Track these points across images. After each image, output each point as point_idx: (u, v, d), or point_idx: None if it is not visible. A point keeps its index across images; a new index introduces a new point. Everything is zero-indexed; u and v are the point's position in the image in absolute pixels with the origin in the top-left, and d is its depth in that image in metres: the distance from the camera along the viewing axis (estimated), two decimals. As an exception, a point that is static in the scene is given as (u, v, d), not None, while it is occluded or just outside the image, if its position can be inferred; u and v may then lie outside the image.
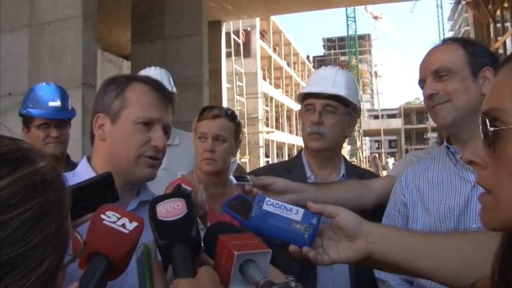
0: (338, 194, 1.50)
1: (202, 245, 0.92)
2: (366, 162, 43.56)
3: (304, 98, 1.83)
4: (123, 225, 0.83)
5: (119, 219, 0.84)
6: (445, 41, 1.47)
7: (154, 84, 1.31)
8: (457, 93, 1.35)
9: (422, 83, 1.44)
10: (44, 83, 2.62)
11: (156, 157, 1.28)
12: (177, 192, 0.95)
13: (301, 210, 1.01)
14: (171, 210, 0.88)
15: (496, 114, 0.60)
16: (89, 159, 1.33)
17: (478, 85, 1.35)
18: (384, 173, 15.34)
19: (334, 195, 1.47)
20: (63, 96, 2.47)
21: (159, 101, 1.28)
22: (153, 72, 2.81)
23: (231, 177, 1.35)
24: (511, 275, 0.60)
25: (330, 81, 1.78)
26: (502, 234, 0.65)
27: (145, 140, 1.25)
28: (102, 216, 0.83)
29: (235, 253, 0.80)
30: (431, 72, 1.39)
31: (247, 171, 2.65)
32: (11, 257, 0.48)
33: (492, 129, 0.60)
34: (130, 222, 0.84)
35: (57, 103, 2.40)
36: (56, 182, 0.56)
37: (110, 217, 0.84)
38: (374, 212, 1.51)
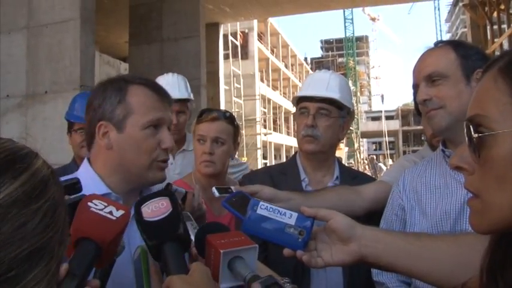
0: (327, 201, 1.49)
1: (194, 245, 0.95)
2: (363, 163, 43.57)
3: (299, 101, 1.85)
4: (110, 213, 0.85)
5: (105, 207, 0.85)
6: (437, 45, 1.46)
7: (152, 85, 1.29)
8: (451, 98, 1.35)
9: (416, 87, 1.43)
10: (88, 91, 2.78)
11: (167, 159, 1.28)
12: (160, 191, 0.96)
13: (295, 214, 1.03)
14: (156, 210, 0.90)
15: (480, 121, 0.62)
16: (89, 160, 1.31)
17: (471, 88, 1.34)
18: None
19: (322, 203, 1.43)
20: None
21: (160, 102, 1.27)
22: (171, 78, 2.86)
23: (213, 189, 1.34)
24: (498, 275, 0.62)
25: (324, 84, 1.79)
26: (490, 236, 0.67)
27: (155, 143, 1.24)
28: (89, 204, 0.85)
29: (221, 251, 0.83)
30: (424, 78, 1.39)
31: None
32: (45, 242, 0.53)
33: (477, 135, 0.61)
34: (117, 210, 0.86)
35: None
36: (54, 176, 0.61)
37: (97, 205, 0.85)
38: (368, 217, 1.51)
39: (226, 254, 0.84)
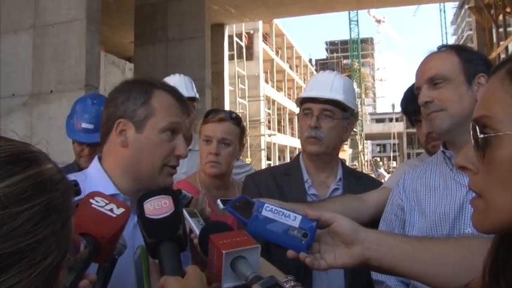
0: (331, 211, 1.48)
1: (198, 244, 0.95)
2: (367, 165, 43.50)
3: (303, 102, 1.85)
4: (111, 210, 0.87)
5: (107, 204, 0.88)
6: (441, 48, 1.47)
7: (175, 93, 1.33)
8: (452, 101, 1.36)
9: (418, 90, 1.44)
10: (88, 97, 2.52)
11: (177, 166, 1.30)
12: (164, 188, 0.97)
13: (299, 217, 1.03)
14: (158, 208, 0.91)
15: (486, 122, 0.62)
16: (99, 159, 1.31)
17: (473, 92, 1.36)
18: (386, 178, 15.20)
19: None
20: (99, 116, 2.43)
21: (180, 110, 1.31)
22: (177, 78, 2.97)
23: (218, 201, 1.36)
24: (501, 275, 0.62)
25: (328, 86, 1.79)
26: (493, 237, 0.67)
27: (170, 149, 1.26)
28: (91, 201, 0.87)
29: (224, 251, 0.84)
30: (427, 80, 1.40)
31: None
32: (20, 248, 0.51)
33: (482, 136, 0.62)
34: (118, 207, 0.88)
35: (90, 126, 2.30)
36: (62, 183, 0.60)
37: (99, 202, 0.87)
38: (371, 221, 1.52)
39: (229, 255, 0.84)
